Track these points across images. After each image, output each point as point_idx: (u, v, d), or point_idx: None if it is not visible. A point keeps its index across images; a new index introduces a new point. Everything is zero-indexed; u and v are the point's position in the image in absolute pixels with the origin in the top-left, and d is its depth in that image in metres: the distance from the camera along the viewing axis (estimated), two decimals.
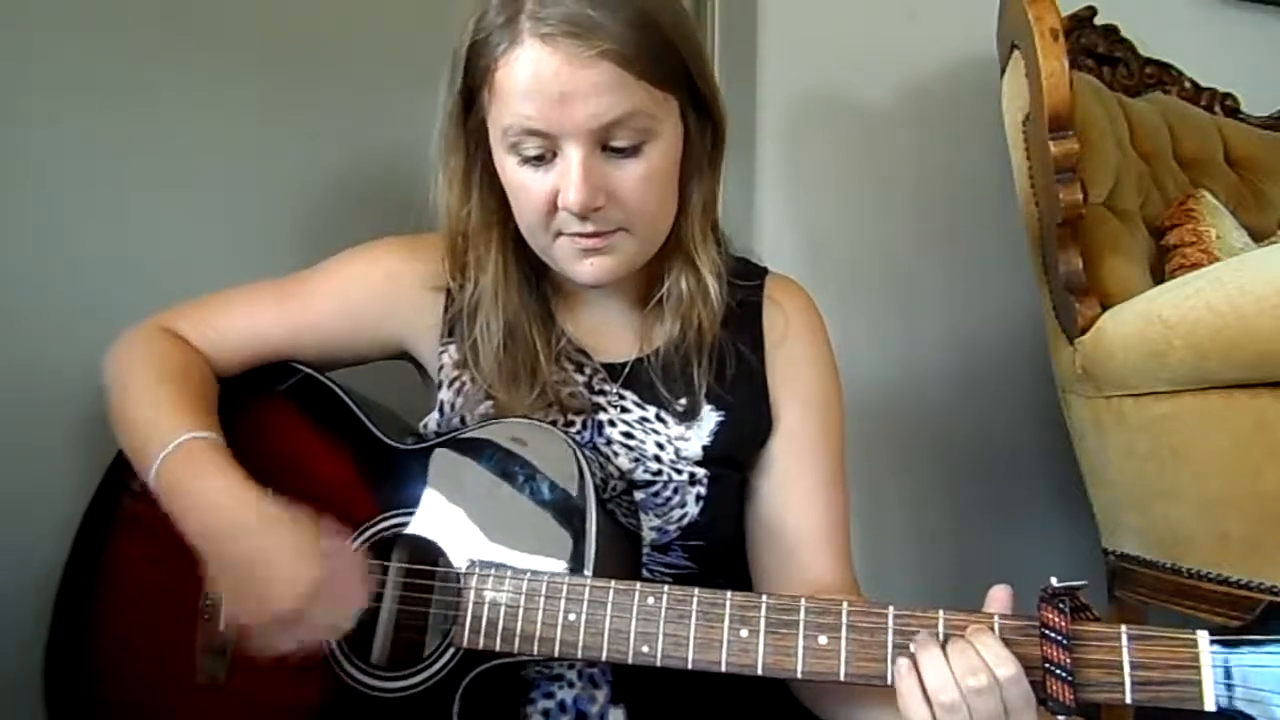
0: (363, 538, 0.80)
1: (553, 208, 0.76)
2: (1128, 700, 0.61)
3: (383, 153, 1.26)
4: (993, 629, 0.64)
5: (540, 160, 0.75)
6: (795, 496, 0.87)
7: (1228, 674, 0.59)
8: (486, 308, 0.84)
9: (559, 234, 0.78)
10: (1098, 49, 1.62)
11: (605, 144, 0.75)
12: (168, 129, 1.16)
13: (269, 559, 0.72)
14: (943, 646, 0.63)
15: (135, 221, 1.15)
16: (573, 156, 0.74)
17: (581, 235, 0.77)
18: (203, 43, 1.19)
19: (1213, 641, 0.60)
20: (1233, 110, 1.70)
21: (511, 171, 0.77)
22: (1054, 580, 0.63)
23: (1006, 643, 0.63)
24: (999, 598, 0.67)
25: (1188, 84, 1.69)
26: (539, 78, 0.72)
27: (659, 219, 0.81)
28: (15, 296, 1.09)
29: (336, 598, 0.72)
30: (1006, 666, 0.62)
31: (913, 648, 0.64)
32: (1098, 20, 1.62)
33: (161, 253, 1.15)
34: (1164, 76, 1.67)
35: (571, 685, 0.80)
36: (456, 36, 0.77)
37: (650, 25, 0.73)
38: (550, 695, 0.80)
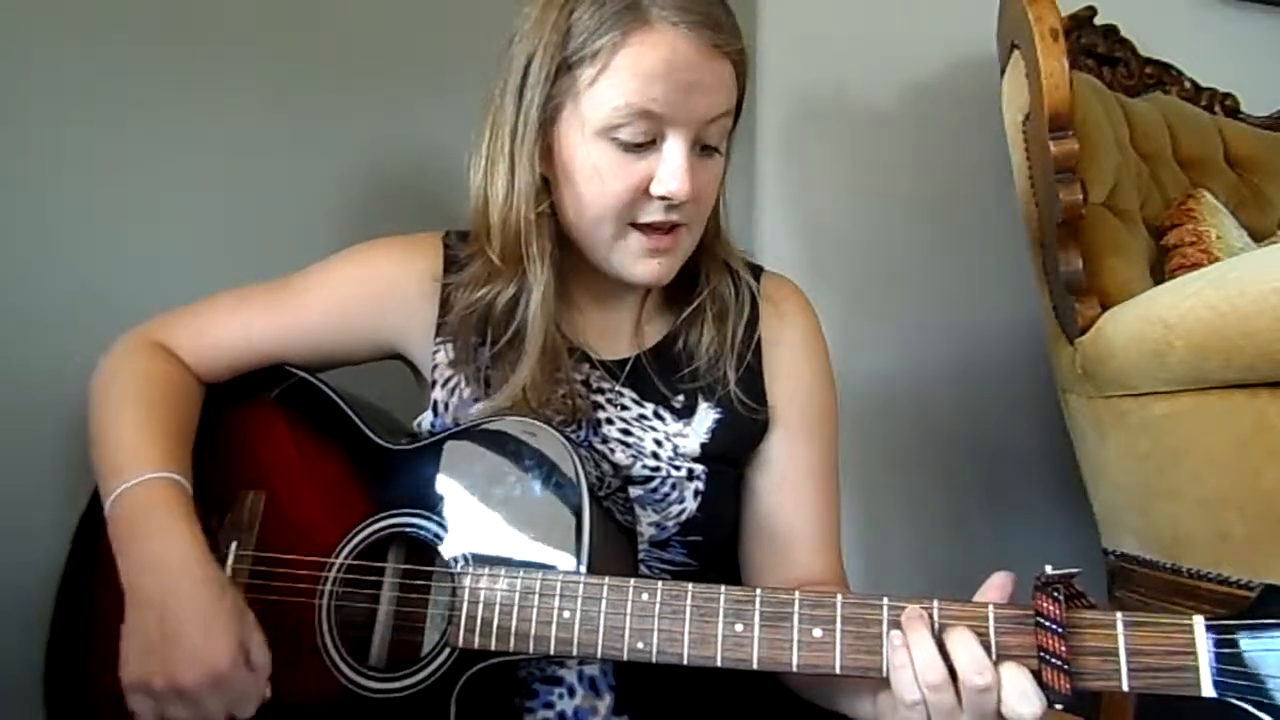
0: (357, 539, 0.80)
1: (641, 195, 0.78)
2: (1125, 687, 0.61)
3: (384, 153, 1.26)
4: (987, 619, 0.63)
5: (639, 147, 0.76)
6: (789, 492, 0.88)
7: (1224, 658, 0.59)
8: (536, 302, 0.81)
9: (632, 226, 0.79)
10: (1098, 49, 1.62)
11: (697, 139, 0.78)
12: (168, 129, 1.16)
13: (185, 632, 0.70)
14: (940, 637, 0.63)
15: (135, 221, 1.15)
16: (680, 146, 0.76)
17: (658, 232, 0.79)
18: (203, 43, 1.19)
19: (1209, 626, 0.60)
20: (1233, 110, 1.70)
21: (601, 155, 0.77)
22: (1049, 568, 0.63)
23: (1001, 632, 0.63)
24: (997, 583, 0.66)
25: (1188, 84, 1.69)
26: (673, 63, 0.74)
27: (706, 219, 0.85)
28: (15, 296, 1.09)
29: (238, 690, 0.70)
30: (986, 675, 0.61)
31: (903, 625, 0.64)
32: (1098, 20, 1.62)
33: (161, 253, 1.15)
34: (1164, 76, 1.67)
35: (573, 694, 0.79)
36: (538, 26, 0.77)
37: (741, 35, 0.79)
38: (550, 705, 0.79)
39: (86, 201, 1.13)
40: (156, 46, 1.17)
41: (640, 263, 0.81)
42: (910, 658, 0.63)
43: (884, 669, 0.65)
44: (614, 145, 0.76)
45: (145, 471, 0.77)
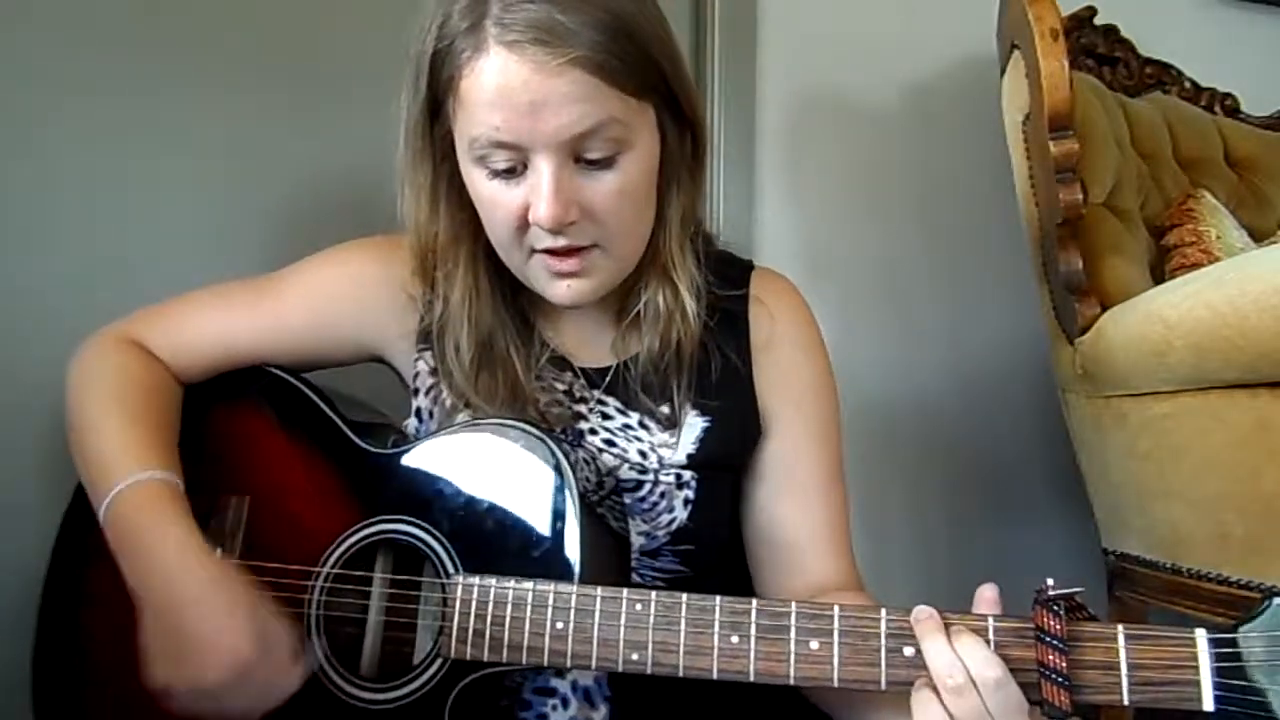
0: (344, 545, 0.78)
1: (524, 223, 0.73)
2: (1125, 701, 0.60)
3: (384, 152, 1.25)
4: (987, 631, 0.63)
5: (510, 173, 0.72)
6: (793, 498, 0.85)
7: (1226, 673, 0.59)
8: (455, 328, 0.81)
9: (532, 251, 0.76)
10: (1098, 49, 1.62)
11: (578, 156, 0.71)
12: (168, 129, 1.16)
13: (202, 632, 0.68)
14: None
15: (135, 221, 1.15)
16: (543, 169, 0.70)
17: (555, 255, 0.74)
18: (203, 43, 1.19)
19: (1211, 640, 0.60)
20: (1233, 110, 1.70)
21: (480, 185, 0.74)
22: (1049, 582, 0.63)
23: (1001, 645, 0.62)
24: (987, 598, 0.65)
25: (1188, 84, 1.69)
26: (506, 88, 0.68)
27: (634, 233, 0.78)
28: (14, 296, 1.09)
29: (266, 678, 0.69)
30: (994, 668, 0.61)
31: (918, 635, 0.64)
32: (1098, 20, 1.62)
33: (160, 253, 1.14)
34: (1164, 76, 1.67)
35: (567, 705, 0.78)
36: (416, 41, 0.74)
37: (622, 30, 0.70)
38: (544, 716, 0.77)
39: (87, 201, 1.13)
40: (157, 46, 1.17)
41: (551, 285, 0.77)
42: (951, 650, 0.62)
43: (882, 681, 0.64)
44: (489, 174, 0.73)
45: (136, 472, 0.75)
